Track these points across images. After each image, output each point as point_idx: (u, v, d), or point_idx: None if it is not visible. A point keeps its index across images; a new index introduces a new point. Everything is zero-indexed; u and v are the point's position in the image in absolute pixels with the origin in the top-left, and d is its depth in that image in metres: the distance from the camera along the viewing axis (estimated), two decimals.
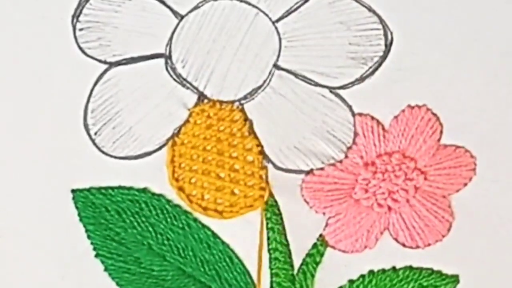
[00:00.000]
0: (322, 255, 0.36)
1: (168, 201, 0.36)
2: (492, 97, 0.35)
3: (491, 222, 0.36)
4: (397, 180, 0.36)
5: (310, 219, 0.36)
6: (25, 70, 0.37)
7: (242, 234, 0.36)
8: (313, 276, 0.36)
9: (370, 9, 0.36)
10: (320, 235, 0.36)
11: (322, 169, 0.36)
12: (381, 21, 0.36)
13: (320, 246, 0.36)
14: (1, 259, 0.37)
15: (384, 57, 0.36)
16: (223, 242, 0.36)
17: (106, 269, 0.37)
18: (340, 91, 0.36)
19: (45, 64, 0.36)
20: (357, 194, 0.36)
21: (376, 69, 0.36)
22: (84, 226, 0.37)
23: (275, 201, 0.36)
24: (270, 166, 0.36)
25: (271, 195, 0.36)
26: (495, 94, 0.35)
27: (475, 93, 0.35)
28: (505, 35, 0.35)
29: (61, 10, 0.36)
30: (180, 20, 0.36)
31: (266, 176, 0.36)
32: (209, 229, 0.36)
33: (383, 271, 0.36)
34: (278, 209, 0.36)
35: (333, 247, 0.36)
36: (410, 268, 0.36)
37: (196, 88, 0.36)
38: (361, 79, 0.36)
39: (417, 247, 0.36)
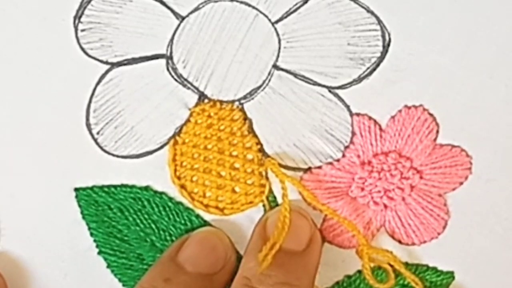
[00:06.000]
0: None
1: (170, 199, 0.36)
2: (487, 97, 0.36)
3: (486, 220, 0.36)
4: (393, 179, 0.36)
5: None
6: (28, 70, 0.36)
7: (243, 230, 0.37)
8: None
9: (368, 10, 0.36)
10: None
11: (320, 167, 0.36)
12: (379, 22, 0.36)
13: None
14: (4, 258, 0.37)
15: (381, 58, 0.36)
16: None
17: (108, 266, 0.37)
18: (338, 91, 0.36)
19: (47, 64, 0.36)
20: (353, 192, 0.36)
21: (374, 69, 0.36)
22: (87, 224, 0.37)
23: (275, 197, 0.36)
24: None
25: (270, 191, 0.36)
26: (490, 95, 0.36)
27: (471, 93, 0.36)
28: (502, 36, 0.35)
29: (63, 12, 0.36)
30: (181, 21, 0.36)
31: (266, 173, 0.36)
32: (210, 225, 0.36)
33: (379, 267, 0.36)
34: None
35: (330, 242, 0.36)
36: (406, 264, 0.36)
37: (197, 88, 0.36)
38: (359, 79, 0.36)
39: (413, 244, 0.36)
